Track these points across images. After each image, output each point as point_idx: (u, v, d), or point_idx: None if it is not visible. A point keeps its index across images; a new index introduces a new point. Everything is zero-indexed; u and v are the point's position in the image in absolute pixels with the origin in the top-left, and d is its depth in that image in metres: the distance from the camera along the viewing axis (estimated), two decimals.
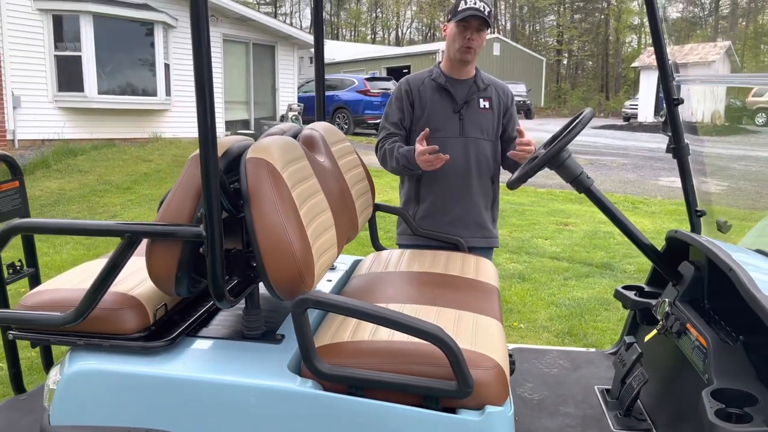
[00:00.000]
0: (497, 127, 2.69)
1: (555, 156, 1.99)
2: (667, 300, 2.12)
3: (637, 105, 27.62)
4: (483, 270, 2.32)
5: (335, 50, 31.54)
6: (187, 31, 13.04)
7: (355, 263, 2.55)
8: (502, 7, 50.22)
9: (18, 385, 2.21)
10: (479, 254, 2.57)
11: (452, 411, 1.51)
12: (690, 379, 1.89)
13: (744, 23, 44.57)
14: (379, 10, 58.09)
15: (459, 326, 1.73)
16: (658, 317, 2.13)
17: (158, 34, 12.38)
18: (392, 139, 2.64)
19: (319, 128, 2.26)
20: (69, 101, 11.49)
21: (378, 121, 17.44)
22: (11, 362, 2.19)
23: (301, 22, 56.90)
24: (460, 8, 2.48)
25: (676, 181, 2.33)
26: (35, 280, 2.25)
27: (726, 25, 44.65)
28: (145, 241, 1.60)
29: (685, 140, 2.22)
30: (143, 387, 1.57)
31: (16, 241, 1.72)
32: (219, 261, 1.51)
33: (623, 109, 29.46)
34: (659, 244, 2.29)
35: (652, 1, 2.06)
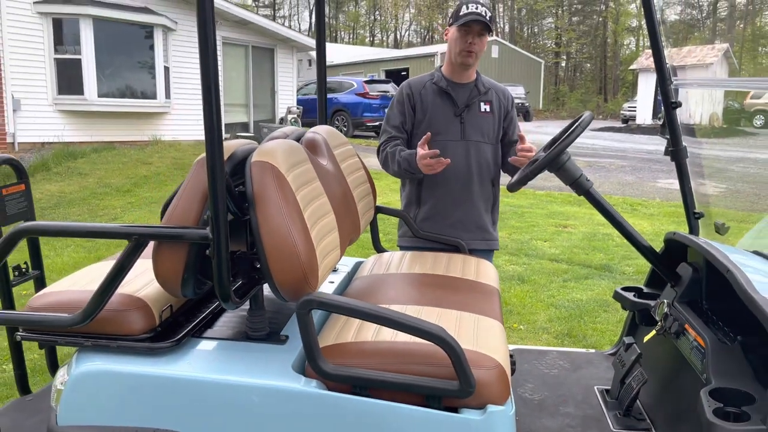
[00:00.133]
0: (498, 130, 2.72)
1: (554, 159, 2.01)
2: (665, 301, 2.14)
3: (635, 107, 27.68)
4: (483, 272, 2.34)
5: (334, 53, 31.58)
6: (187, 34, 13.17)
7: (357, 265, 2.57)
8: (501, 9, 50.32)
9: (24, 387, 2.24)
10: (480, 256, 2.59)
11: (454, 410, 1.53)
12: (688, 379, 1.92)
13: (742, 25, 44.70)
14: (377, 12, 58.20)
15: (460, 327, 1.75)
16: (657, 318, 2.15)
17: (158, 37, 12.41)
18: (394, 142, 2.67)
19: (321, 131, 2.28)
20: (69, 104, 11.52)
21: (377, 123, 17.50)
22: (17, 364, 2.22)
23: (299, 24, 57.00)
24: (461, 13, 2.51)
25: (675, 183, 2.36)
26: (40, 283, 2.27)
27: (724, 27, 44.77)
28: (151, 244, 1.62)
29: (683, 143, 2.25)
30: (150, 387, 1.59)
31: (21, 244, 1.74)
32: (225, 263, 1.53)
33: (621, 112, 29.52)
34: (658, 246, 2.32)
35: (650, 5, 2.08)
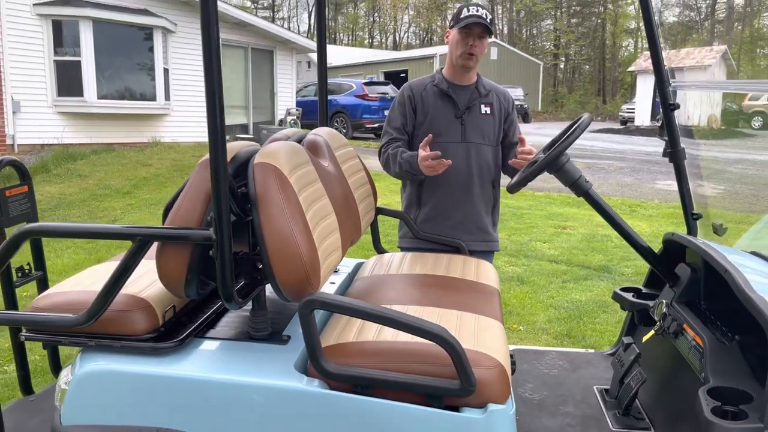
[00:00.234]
0: (498, 132, 2.73)
1: (554, 160, 2.03)
2: (664, 301, 2.16)
3: (634, 109, 27.72)
4: (483, 272, 2.36)
5: (333, 55, 31.60)
6: (187, 36, 13.19)
7: (358, 266, 2.58)
8: (500, 11, 50.38)
9: (26, 387, 2.25)
10: (480, 257, 2.61)
11: (455, 409, 1.55)
12: (687, 379, 1.93)
13: (740, 27, 44.79)
14: (376, 14, 58.25)
15: (461, 327, 1.77)
16: (656, 318, 2.17)
17: (157, 39, 12.43)
18: (395, 144, 2.69)
19: (322, 133, 2.30)
20: (68, 106, 11.53)
21: (376, 125, 17.52)
22: (20, 364, 2.23)
23: (298, 26, 57.06)
24: (462, 15, 2.53)
25: (673, 185, 2.37)
26: (43, 284, 2.28)
27: (722, 29, 44.86)
28: (155, 245, 1.64)
29: (681, 144, 2.26)
30: (153, 387, 1.61)
31: (24, 245, 1.75)
32: (228, 263, 1.55)
33: (620, 113, 29.55)
34: (657, 246, 2.34)
35: (648, 7, 2.10)
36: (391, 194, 8.41)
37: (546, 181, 9.75)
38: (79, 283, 1.87)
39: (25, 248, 2.15)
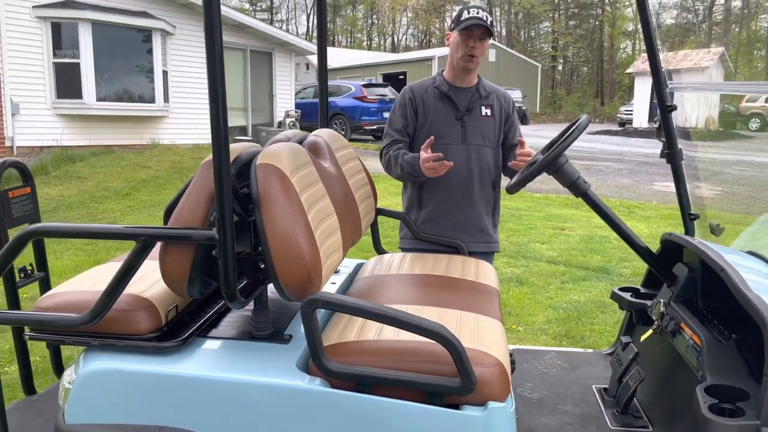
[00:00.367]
0: (499, 134, 2.75)
1: (553, 161, 2.05)
2: (662, 300, 2.18)
3: (632, 111, 27.77)
4: (483, 272, 2.38)
5: (332, 57, 31.62)
6: (185, 38, 13.21)
7: (358, 266, 2.60)
8: (498, 13, 50.47)
9: (29, 387, 2.26)
10: (480, 258, 2.62)
11: (455, 407, 1.56)
12: (685, 377, 1.95)
13: (737, 29, 44.91)
14: (374, 16, 58.33)
15: (461, 326, 1.78)
16: (654, 317, 2.19)
17: (156, 41, 12.44)
18: (396, 146, 2.70)
19: (323, 135, 2.31)
20: (67, 108, 11.54)
21: (375, 127, 17.54)
22: (23, 364, 2.24)
23: (297, 28, 57.12)
24: (463, 17, 2.56)
25: (671, 186, 2.39)
26: (45, 284, 2.30)
27: (719, 31, 44.97)
28: (158, 245, 1.65)
29: (679, 145, 2.29)
30: (156, 385, 1.62)
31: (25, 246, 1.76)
32: (231, 263, 1.56)
33: (618, 115, 29.60)
34: (655, 247, 2.36)
35: (645, 10, 2.12)
36: (390, 196, 8.42)
37: (545, 182, 9.78)
38: (83, 283, 1.88)
39: (26, 250, 2.17)
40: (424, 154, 2.46)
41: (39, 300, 1.80)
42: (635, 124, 26.68)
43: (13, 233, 1.81)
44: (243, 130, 15.53)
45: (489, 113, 2.72)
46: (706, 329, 1.89)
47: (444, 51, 29.92)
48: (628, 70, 33.04)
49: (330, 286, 2.33)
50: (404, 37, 58.89)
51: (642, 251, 2.19)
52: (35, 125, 11.18)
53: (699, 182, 2.53)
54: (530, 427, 2.18)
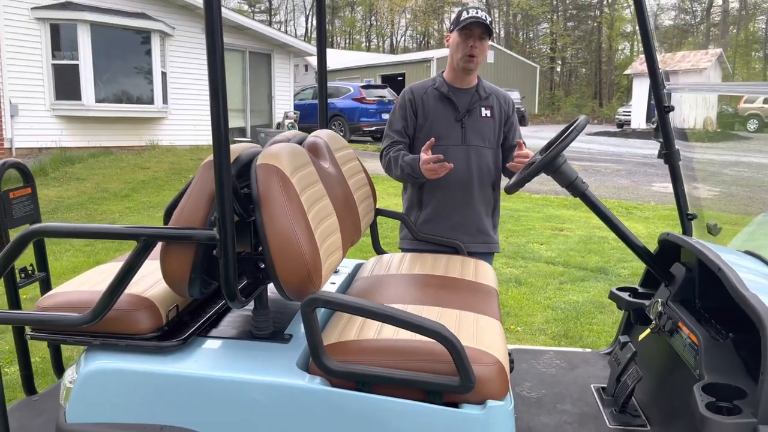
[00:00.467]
0: (498, 135, 2.76)
1: (551, 162, 2.06)
2: (659, 300, 2.19)
3: (630, 112, 27.81)
4: (482, 272, 2.39)
5: (330, 58, 31.57)
6: (184, 40, 13.22)
7: (358, 266, 2.61)
8: (497, 14, 50.53)
9: (30, 387, 2.27)
10: (480, 259, 2.63)
11: (455, 406, 1.57)
12: (682, 376, 1.96)
13: (735, 30, 45.00)
14: (373, 18, 58.36)
15: (460, 325, 1.79)
16: (652, 317, 2.20)
17: (155, 43, 12.45)
18: (397, 147, 2.72)
19: (322, 135, 2.33)
20: (66, 109, 11.54)
21: (373, 128, 17.54)
22: (23, 365, 2.25)
23: (295, 30, 57.15)
24: (462, 18, 2.57)
25: (669, 187, 2.40)
26: (46, 285, 2.31)
27: (717, 32, 45.07)
28: (158, 245, 1.66)
29: (676, 146, 2.30)
30: (157, 385, 1.63)
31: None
32: (232, 263, 1.57)
33: (616, 116, 29.65)
34: (653, 248, 2.37)
35: (643, 12, 2.14)
36: (389, 197, 8.44)
37: (543, 183, 9.80)
38: (84, 283, 1.89)
39: (26, 250, 2.17)
40: (424, 155, 2.47)
41: (40, 300, 1.81)
42: (633, 125, 26.72)
43: (13, 234, 1.82)
44: (242, 131, 15.54)
45: (489, 114, 2.73)
46: (704, 328, 1.90)
47: (442, 52, 29.94)
48: (626, 72, 33.10)
49: (329, 286, 2.34)
50: (403, 38, 58.99)
51: (640, 251, 2.20)
52: (34, 127, 11.18)
53: (697, 183, 2.55)
54: (529, 426, 2.19)
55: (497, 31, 49.51)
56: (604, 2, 46.93)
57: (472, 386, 1.52)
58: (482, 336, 1.74)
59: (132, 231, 1.65)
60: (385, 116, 17.39)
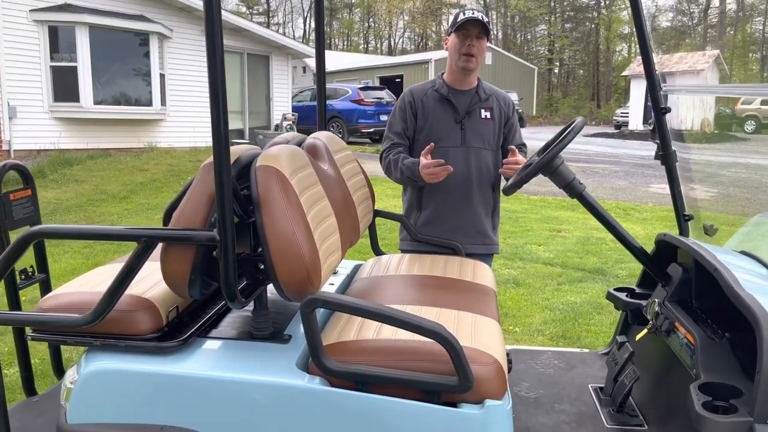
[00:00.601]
0: (498, 136, 2.77)
1: (548, 163, 2.08)
2: (656, 300, 2.20)
3: (627, 113, 27.83)
4: (480, 273, 2.40)
5: (329, 60, 31.33)
6: (182, 42, 13.23)
7: (356, 268, 2.62)
8: (494, 16, 50.59)
9: (30, 388, 2.28)
10: (480, 260, 2.63)
11: (453, 406, 1.58)
12: (679, 375, 1.98)
13: (732, 32, 45.11)
14: (371, 19, 58.41)
15: (459, 325, 1.80)
16: (649, 317, 2.21)
17: (153, 45, 12.46)
18: (396, 149, 2.73)
19: (321, 137, 2.34)
20: (65, 111, 11.55)
21: (372, 130, 17.54)
22: (23, 366, 2.26)
23: (293, 32, 57.17)
24: (459, 19, 2.59)
25: (667, 188, 2.42)
26: (46, 286, 2.31)
27: (714, 34, 45.18)
28: (158, 246, 1.67)
29: (673, 147, 2.32)
30: (157, 385, 1.64)
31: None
32: (232, 264, 1.58)
33: (614, 117, 29.68)
34: (651, 248, 2.38)
35: (639, 15, 2.15)
36: (388, 198, 8.45)
37: (541, 184, 9.81)
38: (84, 284, 1.90)
39: (27, 252, 2.18)
40: (424, 160, 2.49)
41: (41, 301, 1.82)
42: (631, 127, 26.76)
43: (13, 235, 1.83)
44: (240, 133, 15.55)
45: (488, 116, 2.74)
46: (700, 328, 1.92)
47: (440, 54, 29.96)
48: (624, 73, 33.13)
49: (328, 287, 2.35)
50: (401, 40, 59.03)
51: (637, 251, 2.22)
52: (32, 129, 11.18)
53: (694, 184, 2.56)
54: (527, 426, 2.20)
55: (495, 32, 49.57)
56: (602, 4, 47.02)
57: (471, 386, 1.54)
58: (480, 336, 1.75)
59: (133, 232, 1.66)
60: (384, 118, 17.41)
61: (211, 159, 1.58)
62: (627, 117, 27.66)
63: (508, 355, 2.10)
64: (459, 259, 2.54)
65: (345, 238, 2.10)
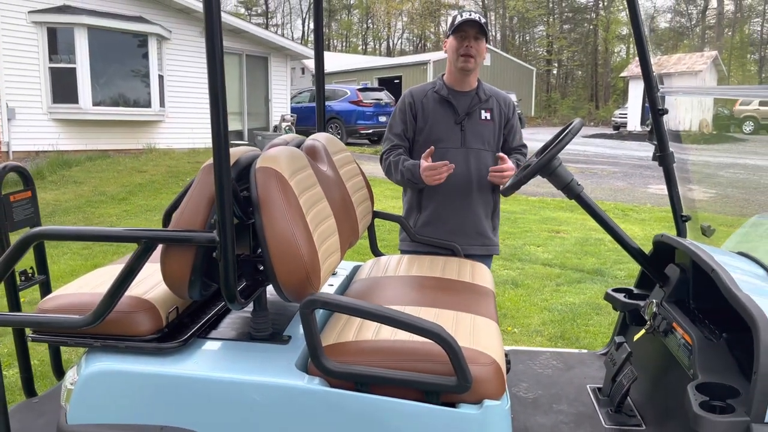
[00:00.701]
0: (498, 137, 2.78)
1: (546, 164, 2.08)
2: (654, 301, 2.21)
3: (626, 114, 27.88)
4: (479, 274, 2.41)
5: (327, 61, 31.30)
6: (181, 43, 13.24)
7: (355, 269, 2.63)
8: (493, 17, 50.65)
9: (30, 389, 2.28)
10: (480, 261, 2.64)
11: (452, 406, 1.59)
12: (676, 375, 1.99)
13: (730, 33, 45.19)
14: (370, 21, 58.44)
15: (457, 326, 1.81)
16: (646, 317, 2.22)
17: (152, 46, 12.47)
18: (397, 151, 2.74)
19: (320, 138, 2.35)
20: (63, 113, 11.55)
21: (370, 131, 17.56)
22: (23, 367, 2.26)
23: (292, 33, 57.17)
24: (456, 21, 2.60)
25: (665, 189, 2.45)
26: (46, 288, 2.32)
27: (713, 35, 45.25)
28: (158, 247, 1.68)
29: (670, 148, 2.33)
30: (157, 386, 1.64)
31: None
32: (231, 265, 1.59)
33: (613, 118, 29.73)
34: (649, 249, 2.39)
35: (637, 15, 2.16)
36: (387, 199, 8.46)
37: (540, 185, 9.83)
38: (85, 285, 1.90)
39: (26, 253, 2.19)
40: (425, 162, 2.50)
41: (41, 302, 1.83)
42: (630, 128, 26.80)
43: (13, 237, 1.83)
44: (239, 134, 15.55)
45: (488, 117, 2.75)
46: (698, 328, 1.92)
47: (439, 55, 29.99)
48: (622, 74, 33.19)
49: (328, 288, 2.36)
50: (399, 41, 59.08)
51: (634, 252, 2.23)
52: (31, 130, 11.18)
53: (691, 185, 2.57)
54: (525, 426, 2.21)
55: (493, 34, 49.61)
56: (600, 5, 47.09)
57: (469, 386, 1.54)
58: (479, 337, 1.75)
59: (133, 233, 1.67)
60: (382, 119, 17.41)
61: (210, 161, 1.59)
62: (625, 118, 27.70)
63: (506, 355, 2.11)
64: (458, 260, 2.55)
65: (344, 239, 2.11)
